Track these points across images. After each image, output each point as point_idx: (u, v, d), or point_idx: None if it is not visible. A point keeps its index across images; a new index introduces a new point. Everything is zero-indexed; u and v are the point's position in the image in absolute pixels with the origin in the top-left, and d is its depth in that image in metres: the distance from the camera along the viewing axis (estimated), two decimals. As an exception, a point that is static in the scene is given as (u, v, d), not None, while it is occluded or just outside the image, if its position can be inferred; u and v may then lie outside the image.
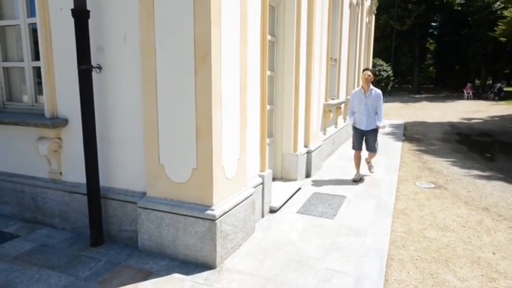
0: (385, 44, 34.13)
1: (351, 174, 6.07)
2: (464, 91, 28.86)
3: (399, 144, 9.41)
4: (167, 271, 3.05)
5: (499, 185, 6.05)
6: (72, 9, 3.15)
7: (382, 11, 29.67)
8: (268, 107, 4.53)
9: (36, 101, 4.08)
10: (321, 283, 2.92)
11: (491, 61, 34.24)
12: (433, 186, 5.95)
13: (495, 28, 24.30)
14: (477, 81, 35.68)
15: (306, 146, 5.87)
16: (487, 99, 27.22)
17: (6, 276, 2.98)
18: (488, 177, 6.56)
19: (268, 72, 4.56)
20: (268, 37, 4.38)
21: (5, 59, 4.20)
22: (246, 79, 3.57)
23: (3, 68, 4.21)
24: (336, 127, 8.44)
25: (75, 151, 3.65)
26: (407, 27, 33.00)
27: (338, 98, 8.47)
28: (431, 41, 43.21)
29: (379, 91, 5.86)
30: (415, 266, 3.37)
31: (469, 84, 29.94)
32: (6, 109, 4.24)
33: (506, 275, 3.26)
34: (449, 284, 3.09)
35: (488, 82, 36.88)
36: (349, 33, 9.14)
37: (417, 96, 31.95)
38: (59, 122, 3.69)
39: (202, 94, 2.98)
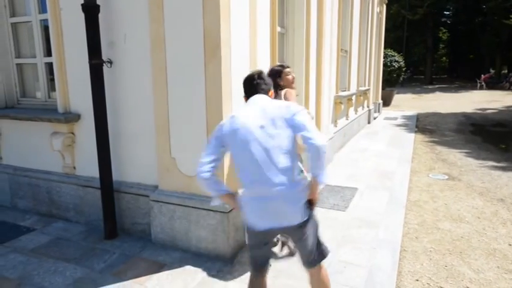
0: (396, 34, 33.50)
1: (363, 167, 6.02)
2: (478, 81, 28.19)
3: (412, 135, 9.29)
4: (180, 263, 3.09)
5: (515, 176, 5.93)
6: (82, 4, 3.17)
7: (393, 0, 29.05)
8: (278, 99, 4.50)
9: (49, 97, 4.14)
10: (334, 275, 2.91)
11: (506, 50, 33.35)
12: (446, 177, 5.86)
13: (510, 16, 23.64)
14: (492, 71, 34.81)
15: (316, 139, 5.82)
16: (501, 88, 26.59)
17: (23, 268, 3.05)
18: (503, 168, 6.43)
19: (278, 64, 4.52)
20: (278, 29, 4.34)
21: (18, 56, 4.26)
22: (256, 71, 3.54)
23: (17, 64, 4.27)
24: (347, 119, 8.36)
25: (88, 146, 3.69)
26: (420, 17, 32.31)
27: (349, 89, 8.38)
28: (444, 30, 42.27)
29: (288, 104, 2.02)
30: (429, 257, 3.33)
31: (488, 73, 29.08)
32: (21, 105, 4.32)
33: (522, 267, 3.20)
34: (464, 276, 3.05)
35: (503, 71, 35.99)
36: (359, 23, 9.00)
37: (430, 86, 31.40)
38: (71, 117, 3.74)
39: (212, 86, 2.97)
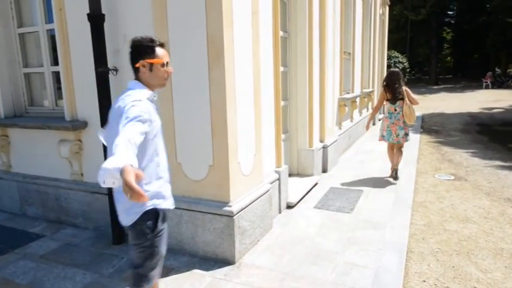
0: (400, 35, 33.47)
1: (369, 169, 6.01)
2: (483, 80, 27.99)
3: (417, 136, 9.25)
4: (187, 267, 3.11)
5: (522, 175, 5.89)
6: (87, 14, 3.23)
7: (396, 2, 29.07)
8: (282, 102, 4.53)
9: (56, 105, 4.21)
10: (340, 276, 2.92)
11: (512, 48, 33.13)
12: (452, 178, 5.84)
13: (515, 14, 23.47)
14: (497, 70, 34.58)
15: (321, 141, 5.85)
16: (508, 87, 26.39)
17: (33, 274, 3.09)
18: (510, 168, 6.39)
19: (282, 68, 4.56)
20: (281, 33, 4.38)
21: (26, 65, 4.34)
22: (259, 75, 3.58)
23: (24, 74, 4.35)
24: (352, 121, 8.37)
25: (95, 152, 3.74)
26: (423, 17, 32.27)
27: (353, 91, 8.40)
28: (448, 30, 42.14)
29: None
30: (436, 258, 3.33)
31: (489, 72, 28.99)
32: (29, 114, 4.39)
33: (531, 266, 3.19)
34: (471, 276, 3.04)
35: (509, 70, 35.72)
36: (362, 25, 9.02)
37: (435, 87, 31.28)
38: (78, 124, 3.80)
39: (216, 91, 3.01)
